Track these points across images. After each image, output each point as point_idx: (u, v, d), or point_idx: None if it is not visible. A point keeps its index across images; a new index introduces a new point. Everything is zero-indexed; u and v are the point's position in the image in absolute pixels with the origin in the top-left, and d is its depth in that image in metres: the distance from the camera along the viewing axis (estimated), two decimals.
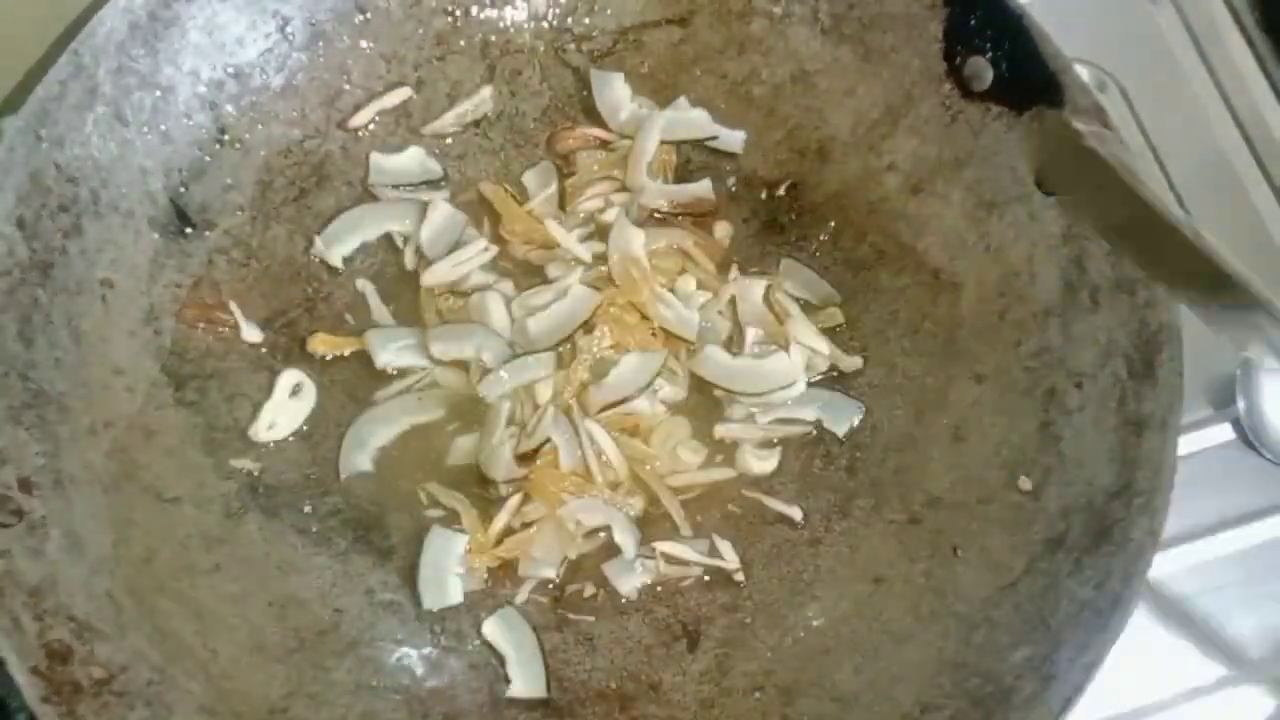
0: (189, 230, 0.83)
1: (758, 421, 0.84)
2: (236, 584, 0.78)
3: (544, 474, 0.81)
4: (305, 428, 0.83)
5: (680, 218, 0.88)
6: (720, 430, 0.84)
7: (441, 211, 0.86)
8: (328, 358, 0.84)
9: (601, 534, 0.81)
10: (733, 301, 0.86)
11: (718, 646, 0.80)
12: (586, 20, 0.91)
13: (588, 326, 0.83)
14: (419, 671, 0.78)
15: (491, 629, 0.79)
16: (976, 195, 0.84)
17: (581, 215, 0.88)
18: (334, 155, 0.88)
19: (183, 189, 0.83)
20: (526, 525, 0.81)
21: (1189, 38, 1.02)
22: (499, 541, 0.80)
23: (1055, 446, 0.79)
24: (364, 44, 0.88)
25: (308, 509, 0.81)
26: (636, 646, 0.80)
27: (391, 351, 0.84)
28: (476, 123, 0.90)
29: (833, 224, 0.88)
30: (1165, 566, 0.83)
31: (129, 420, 0.79)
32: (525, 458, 0.81)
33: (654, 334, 0.84)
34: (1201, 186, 0.97)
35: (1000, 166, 0.83)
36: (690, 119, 0.89)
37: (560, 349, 0.84)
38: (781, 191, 0.89)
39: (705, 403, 0.85)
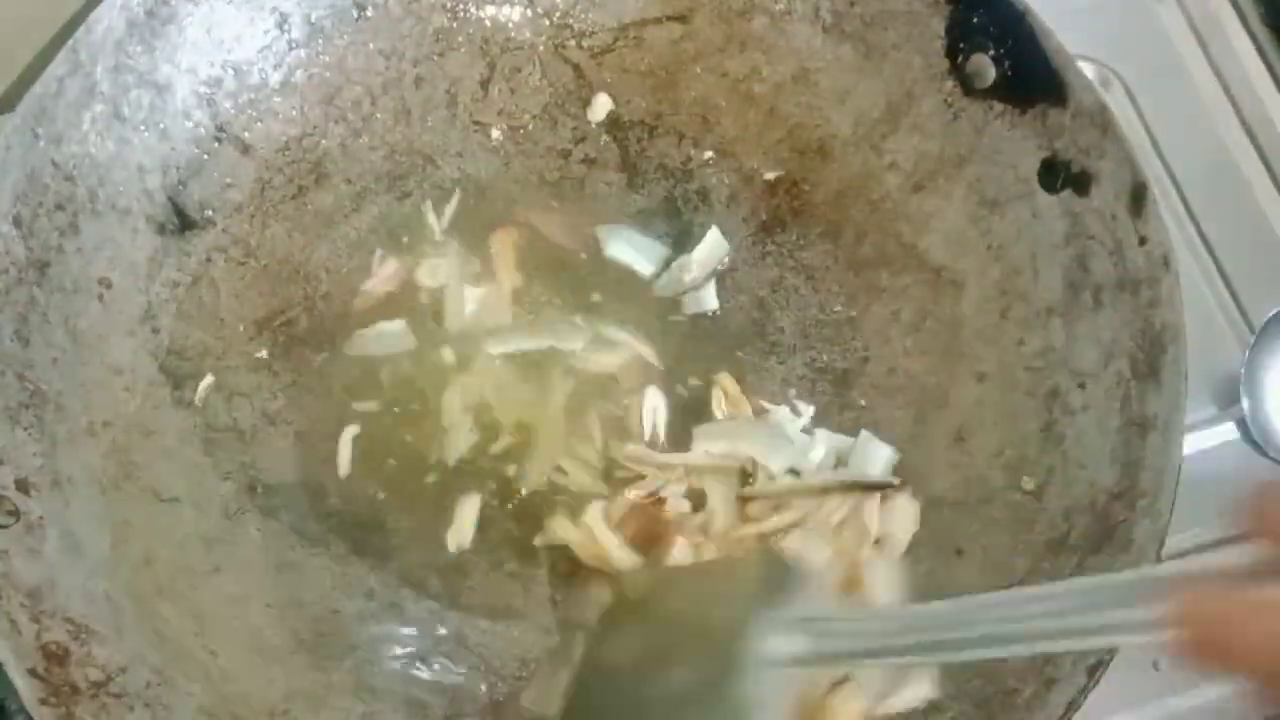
0: (187, 229, 0.83)
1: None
2: (236, 585, 0.78)
3: None
4: (303, 429, 0.82)
5: None
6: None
7: None
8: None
9: None
10: None
11: None
12: (587, 17, 0.90)
13: None
14: (419, 673, 0.78)
15: None
16: (979, 193, 0.84)
17: None
18: (333, 153, 0.87)
19: (181, 187, 0.83)
20: None
21: (1193, 34, 1.01)
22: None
23: (1058, 447, 0.79)
24: (363, 41, 0.88)
25: (307, 510, 0.81)
26: None
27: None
28: (476, 121, 0.89)
29: (834, 223, 0.88)
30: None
31: (127, 420, 0.79)
32: None
33: None
34: (1205, 183, 0.97)
35: (1003, 164, 0.83)
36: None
37: None
38: (782, 190, 0.89)
39: None
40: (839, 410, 0.85)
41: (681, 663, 0.66)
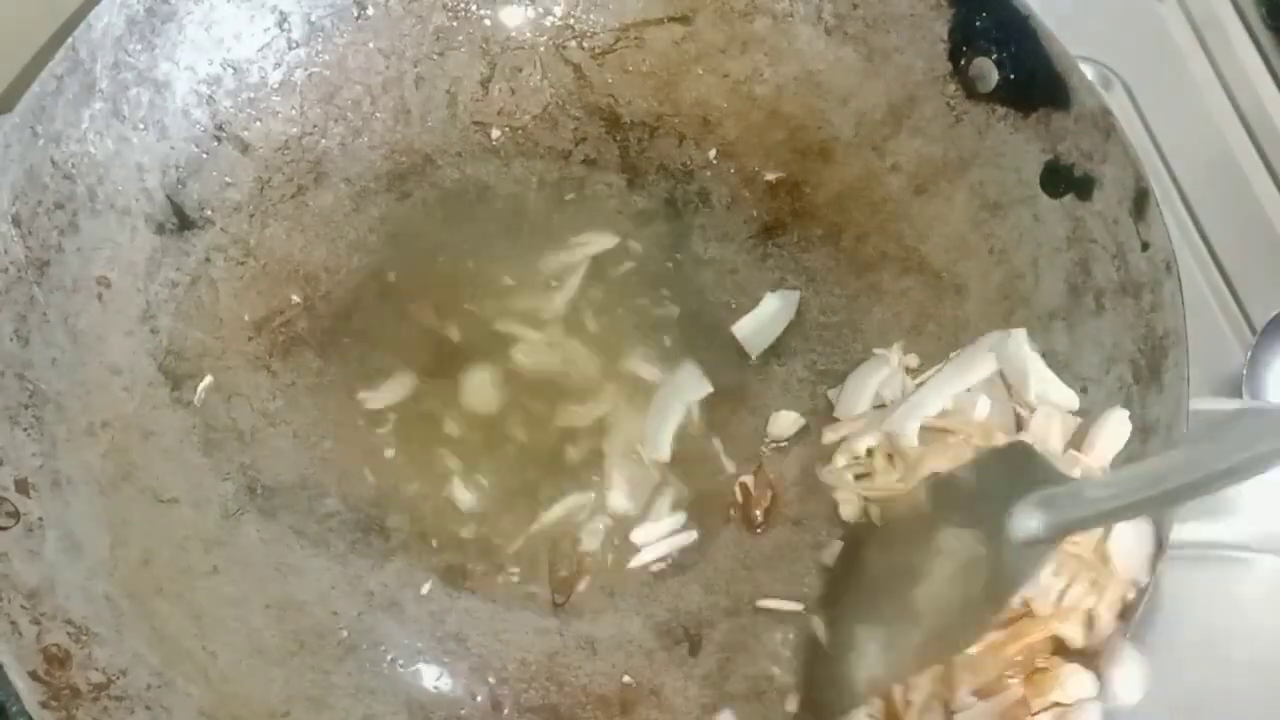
0: (186, 228, 0.83)
1: None
2: (235, 586, 0.78)
3: None
4: (302, 429, 0.82)
5: None
6: None
7: None
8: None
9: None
10: None
11: (719, 650, 0.80)
12: (588, 17, 0.90)
13: None
14: (419, 674, 0.78)
15: None
16: (981, 197, 0.84)
17: None
18: (332, 152, 0.87)
19: (180, 186, 0.83)
20: None
21: (1194, 35, 1.01)
22: None
23: None
24: (363, 40, 0.87)
25: (306, 510, 0.81)
26: (637, 650, 0.79)
27: None
28: (476, 121, 0.89)
29: (835, 225, 0.87)
30: (1169, 568, 0.83)
31: (126, 420, 0.79)
32: None
33: None
34: (1206, 183, 0.97)
35: (1005, 168, 0.83)
36: None
37: None
38: (783, 192, 0.89)
39: None
40: None
41: (945, 562, 0.71)
